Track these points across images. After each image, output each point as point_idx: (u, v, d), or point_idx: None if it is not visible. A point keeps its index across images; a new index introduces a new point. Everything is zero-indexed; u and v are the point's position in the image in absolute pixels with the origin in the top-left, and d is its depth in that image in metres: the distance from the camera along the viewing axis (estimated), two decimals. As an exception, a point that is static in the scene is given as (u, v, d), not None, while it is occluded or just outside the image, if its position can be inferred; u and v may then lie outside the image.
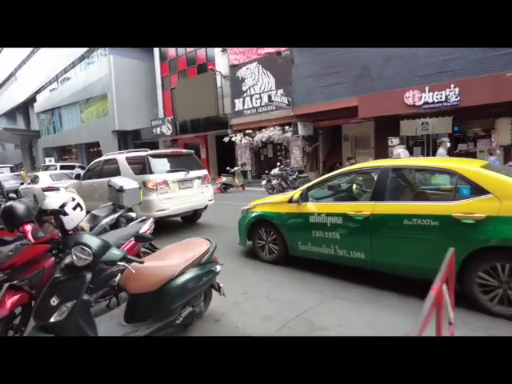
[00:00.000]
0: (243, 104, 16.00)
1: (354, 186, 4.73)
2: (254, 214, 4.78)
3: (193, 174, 6.85)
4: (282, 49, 13.56)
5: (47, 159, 29.48)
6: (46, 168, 18.14)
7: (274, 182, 12.57)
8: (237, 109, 16.30)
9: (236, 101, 16.27)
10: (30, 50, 36.04)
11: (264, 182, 12.89)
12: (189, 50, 19.83)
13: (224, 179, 14.21)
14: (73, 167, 17.57)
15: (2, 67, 42.95)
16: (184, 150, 7.69)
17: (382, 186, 3.69)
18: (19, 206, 2.86)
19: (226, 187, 14.31)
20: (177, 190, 6.52)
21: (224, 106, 17.45)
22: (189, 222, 7.75)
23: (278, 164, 13.67)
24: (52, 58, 30.83)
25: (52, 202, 2.61)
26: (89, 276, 2.04)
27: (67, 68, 29.28)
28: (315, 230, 4.15)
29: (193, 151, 7.92)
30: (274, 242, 4.68)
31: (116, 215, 3.90)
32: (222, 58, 17.39)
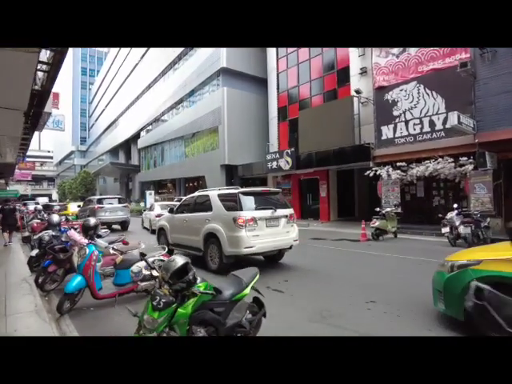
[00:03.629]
0: (394, 131, 13.60)
1: None
2: (482, 274, 3.41)
3: (280, 212, 6.93)
4: (465, 59, 11.08)
5: (147, 192, 30.64)
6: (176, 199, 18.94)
7: (463, 230, 9.52)
8: (384, 137, 13.95)
9: (383, 128, 13.99)
10: (130, 100, 41.01)
11: (446, 230, 9.92)
12: (314, 76, 18.68)
13: (378, 223, 11.53)
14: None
15: (108, 116, 51.69)
16: (272, 189, 7.89)
17: None
18: None
19: (379, 234, 11.59)
20: (264, 228, 6.66)
21: (361, 135, 15.30)
22: (271, 261, 7.69)
23: (455, 206, 10.62)
24: (157, 98, 33.27)
25: None
26: None
27: (173, 105, 30.93)
28: None
29: (280, 190, 7.96)
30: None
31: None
32: (360, 82, 15.59)
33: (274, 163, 18.89)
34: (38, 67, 4.27)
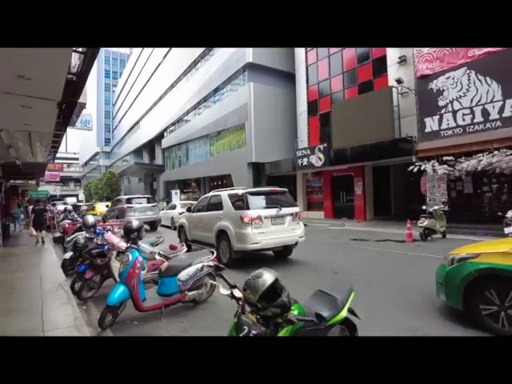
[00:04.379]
0: (439, 123, 12.55)
1: None
2: (480, 267, 3.55)
3: (285, 210, 7.38)
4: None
5: (173, 191, 30.51)
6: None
7: (530, 230, 8.48)
8: (428, 129, 12.91)
9: (427, 120, 12.94)
10: (153, 101, 41.21)
11: (510, 230, 8.85)
12: (346, 68, 17.75)
13: (426, 222, 10.60)
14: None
15: (131, 117, 52.22)
16: (279, 189, 8.07)
17: None
18: None
19: (427, 234, 10.65)
20: (269, 226, 7.12)
21: (401, 128, 14.29)
22: (280, 256, 8.24)
23: (517, 203, 9.56)
24: (180, 97, 33.05)
25: None
26: None
27: (196, 104, 30.58)
28: None
29: (287, 190, 8.16)
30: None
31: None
32: (398, 71, 14.58)
33: (305, 160, 18.10)
34: (74, 48, 3.75)
